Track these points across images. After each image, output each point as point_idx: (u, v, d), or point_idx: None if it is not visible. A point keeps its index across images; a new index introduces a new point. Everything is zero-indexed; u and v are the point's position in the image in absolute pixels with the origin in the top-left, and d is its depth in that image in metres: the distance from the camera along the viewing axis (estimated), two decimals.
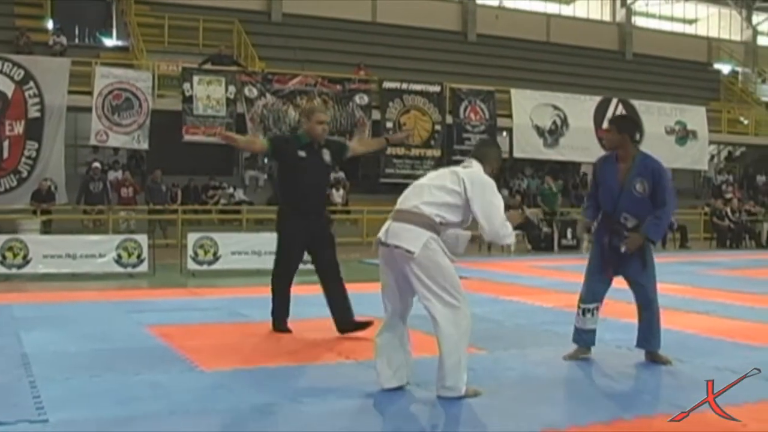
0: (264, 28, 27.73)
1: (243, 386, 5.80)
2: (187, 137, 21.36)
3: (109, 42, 26.77)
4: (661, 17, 37.99)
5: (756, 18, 39.00)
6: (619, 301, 7.46)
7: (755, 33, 38.88)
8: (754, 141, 32.11)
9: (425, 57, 28.04)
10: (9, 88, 19.58)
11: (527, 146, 25.36)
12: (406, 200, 5.58)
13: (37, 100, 19.82)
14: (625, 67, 33.90)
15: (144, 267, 13.98)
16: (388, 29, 29.66)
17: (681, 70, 34.17)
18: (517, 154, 25.48)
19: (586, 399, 5.73)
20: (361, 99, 23.29)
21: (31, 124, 19.82)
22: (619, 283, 6.76)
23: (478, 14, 32.41)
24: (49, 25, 24.51)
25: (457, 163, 6.08)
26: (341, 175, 24.27)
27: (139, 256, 13.96)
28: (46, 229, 17.84)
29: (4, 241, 13.53)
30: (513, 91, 25.61)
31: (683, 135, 27.72)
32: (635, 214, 6.50)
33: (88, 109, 20.48)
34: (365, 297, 7.95)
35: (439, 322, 5.37)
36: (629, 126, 6.82)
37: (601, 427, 4.95)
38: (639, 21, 36.73)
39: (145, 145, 21.20)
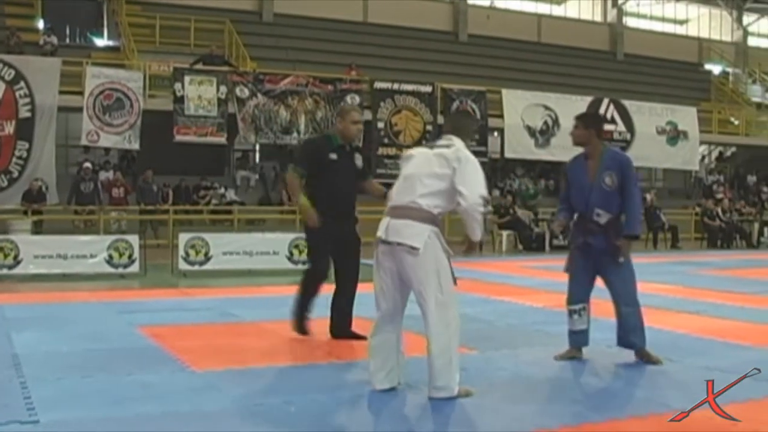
0: (255, 28, 27.70)
1: (234, 386, 5.79)
2: (179, 137, 21.32)
3: (100, 42, 26.70)
4: (652, 18, 38.08)
5: (746, 18, 39.13)
6: (610, 300, 7.45)
7: (746, 33, 38.99)
8: (744, 141, 32.20)
9: (416, 57, 28.05)
10: (0, 88, 19.53)
11: (518, 146, 25.38)
12: (401, 195, 5.56)
13: (27, 100, 19.76)
14: (616, 67, 33.96)
15: (135, 267, 13.95)
16: (379, 29, 29.66)
17: (672, 71, 34.23)
18: (508, 154, 25.51)
19: (578, 399, 5.74)
20: (353, 99, 23.26)
21: (22, 124, 19.75)
22: None
23: (469, 14, 32.43)
24: (40, 24, 24.45)
25: None
26: None
27: (130, 257, 13.92)
28: (37, 229, 17.79)
29: None
30: (504, 91, 25.62)
31: (674, 135, 27.78)
32: (606, 209, 6.59)
33: (79, 109, 20.42)
34: (361, 297, 7.92)
35: (431, 321, 5.39)
36: (596, 122, 6.88)
37: (593, 426, 4.97)
38: (630, 21, 36.79)
39: (136, 146, 21.15)
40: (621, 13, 35.84)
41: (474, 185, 5.44)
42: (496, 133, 26.28)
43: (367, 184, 7.99)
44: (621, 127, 26.81)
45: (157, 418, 5.01)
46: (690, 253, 20.87)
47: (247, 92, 22.18)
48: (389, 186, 6.17)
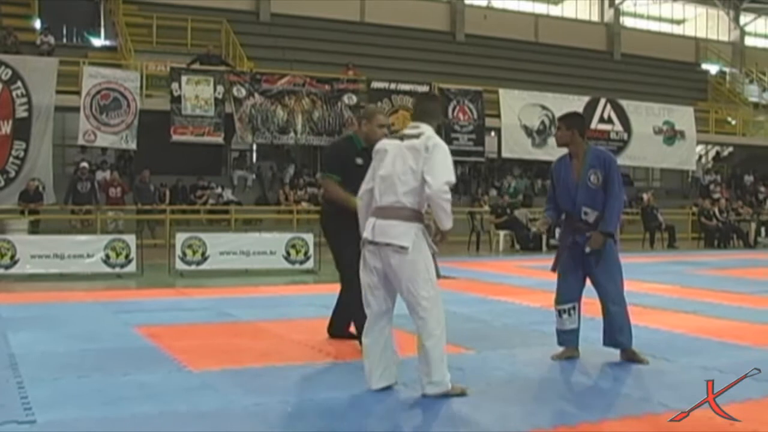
0: (252, 28, 27.70)
1: (231, 386, 5.79)
2: (176, 137, 21.32)
3: (97, 42, 26.69)
4: (649, 17, 38.11)
5: (743, 18, 39.18)
6: None
7: (743, 33, 39.05)
8: (741, 141, 32.24)
9: (414, 57, 28.06)
10: None
11: (515, 146, 25.39)
12: (384, 195, 5.54)
13: (24, 99, 19.75)
14: (613, 67, 34.00)
15: (132, 267, 13.94)
16: (376, 29, 29.68)
17: (669, 71, 34.26)
18: (505, 154, 25.52)
19: (575, 399, 5.75)
20: (350, 99, 23.28)
21: (19, 124, 19.74)
22: None
23: (467, 14, 32.46)
24: (37, 24, 24.42)
25: None
26: None
27: (127, 257, 13.91)
28: (34, 229, 17.78)
29: None
30: (501, 91, 25.64)
31: (671, 135, 27.81)
32: (593, 207, 6.61)
33: (76, 109, 20.41)
34: None
35: (424, 317, 5.41)
36: (577, 122, 6.89)
37: (589, 426, 4.96)
38: (627, 21, 36.85)
39: (133, 145, 21.14)
40: (618, 12, 35.87)
41: (440, 172, 5.38)
42: (493, 133, 26.29)
43: None
44: (618, 126, 26.85)
45: (153, 418, 5.01)
46: (687, 252, 20.88)
47: (244, 92, 22.18)
48: None
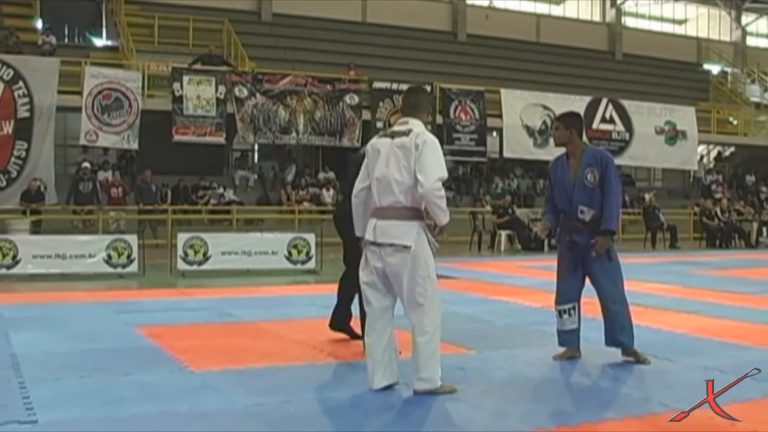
0: (254, 28, 27.69)
1: (232, 386, 5.79)
2: (177, 137, 21.32)
3: (99, 42, 26.72)
4: (650, 17, 38.09)
5: (745, 18, 39.15)
6: None
7: (744, 33, 39.01)
8: (743, 141, 32.23)
9: (415, 57, 28.04)
10: None
11: (517, 146, 25.38)
12: (382, 196, 5.54)
13: (26, 99, 19.76)
14: (614, 67, 33.98)
15: (134, 267, 13.95)
16: (378, 29, 29.67)
17: (670, 71, 34.24)
18: (507, 154, 25.50)
19: (576, 399, 5.75)
20: (352, 99, 23.28)
21: (21, 124, 19.75)
22: None
23: (468, 14, 32.44)
24: (39, 24, 24.44)
25: None
26: (331, 175, 24.29)
27: (128, 257, 13.92)
28: (36, 229, 17.79)
29: None
30: (503, 91, 25.63)
31: (673, 135, 27.80)
32: (590, 205, 6.62)
33: (78, 109, 20.42)
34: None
35: (420, 314, 5.44)
36: (575, 121, 6.90)
37: (590, 426, 4.96)
38: (629, 21, 36.82)
39: (134, 145, 21.14)
40: (620, 12, 35.85)
41: (431, 170, 5.36)
42: (494, 133, 26.29)
43: None
44: (620, 126, 26.83)
45: (155, 418, 5.01)
46: (689, 252, 20.88)
47: (245, 92, 22.18)
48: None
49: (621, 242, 20.07)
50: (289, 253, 14.61)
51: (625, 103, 27.20)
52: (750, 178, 32.33)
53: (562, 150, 6.95)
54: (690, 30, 38.53)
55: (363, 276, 5.67)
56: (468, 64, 28.80)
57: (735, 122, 32.53)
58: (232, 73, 22.48)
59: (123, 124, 20.69)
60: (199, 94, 21.57)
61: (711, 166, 33.64)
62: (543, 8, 35.08)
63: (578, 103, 24.91)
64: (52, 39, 22.84)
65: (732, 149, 34.75)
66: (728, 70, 37.41)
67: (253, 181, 24.65)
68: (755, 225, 25.02)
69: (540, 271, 14.44)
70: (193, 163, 22.71)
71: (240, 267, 14.36)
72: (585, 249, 6.63)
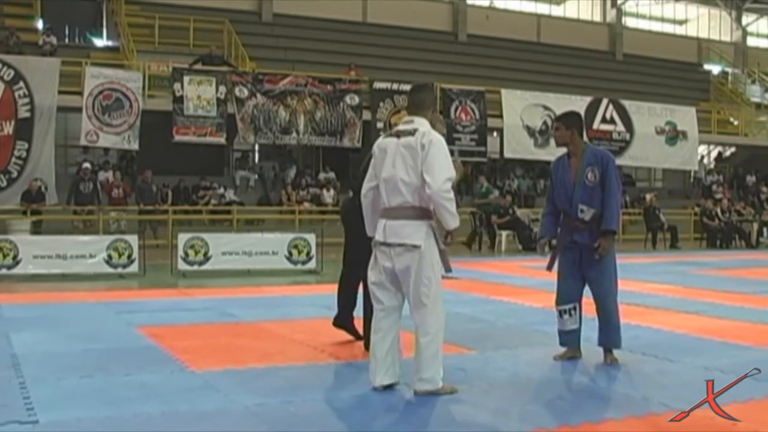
0: (254, 28, 27.69)
1: (233, 386, 5.80)
2: (178, 137, 21.31)
3: (100, 42, 26.71)
4: (651, 18, 38.09)
5: (746, 19, 39.14)
6: None
7: (745, 34, 39.00)
8: (743, 141, 32.22)
9: (416, 57, 28.03)
10: None
11: (518, 146, 25.36)
12: (390, 197, 5.54)
13: (27, 100, 19.75)
14: (615, 67, 33.97)
15: (134, 267, 13.96)
16: (378, 29, 29.66)
17: (671, 71, 34.23)
18: (507, 154, 25.48)
19: (577, 399, 5.75)
20: (352, 99, 23.27)
21: (21, 125, 19.74)
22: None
23: (469, 14, 32.44)
24: (39, 25, 24.44)
25: None
26: (332, 175, 24.30)
27: (129, 257, 13.93)
28: (36, 229, 17.79)
29: None
30: (503, 91, 25.61)
31: (673, 135, 27.78)
32: (589, 204, 6.64)
33: (79, 110, 20.40)
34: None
35: (424, 314, 5.45)
36: (576, 121, 6.91)
37: (590, 426, 4.96)
38: (629, 21, 36.81)
39: (135, 146, 21.13)
40: (620, 13, 35.85)
41: (438, 170, 5.36)
42: (495, 133, 26.27)
43: None
44: (620, 127, 26.81)
45: (156, 418, 5.02)
46: (689, 253, 20.87)
47: (246, 92, 22.17)
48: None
49: (621, 242, 20.07)
50: (290, 253, 14.62)
51: (626, 103, 27.18)
52: (750, 179, 32.32)
53: (563, 150, 6.95)
54: (690, 30, 38.53)
55: (372, 276, 5.67)
56: (468, 64, 28.78)
57: (735, 122, 32.52)
58: (232, 74, 22.47)
59: (123, 125, 20.68)
60: (200, 94, 21.56)
61: (711, 166, 33.64)
62: (543, 8, 35.07)
63: (579, 104, 24.89)
64: (53, 39, 22.85)
65: (732, 149, 34.73)
66: (729, 70, 37.39)
67: (254, 182, 24.65)
68: (756, 225, 25.01)
69: (541, 272, 14.32)
70: (193, 164, 22.70)
71: (240, 267, 14.37)
72: (584, 248, 6.64)
